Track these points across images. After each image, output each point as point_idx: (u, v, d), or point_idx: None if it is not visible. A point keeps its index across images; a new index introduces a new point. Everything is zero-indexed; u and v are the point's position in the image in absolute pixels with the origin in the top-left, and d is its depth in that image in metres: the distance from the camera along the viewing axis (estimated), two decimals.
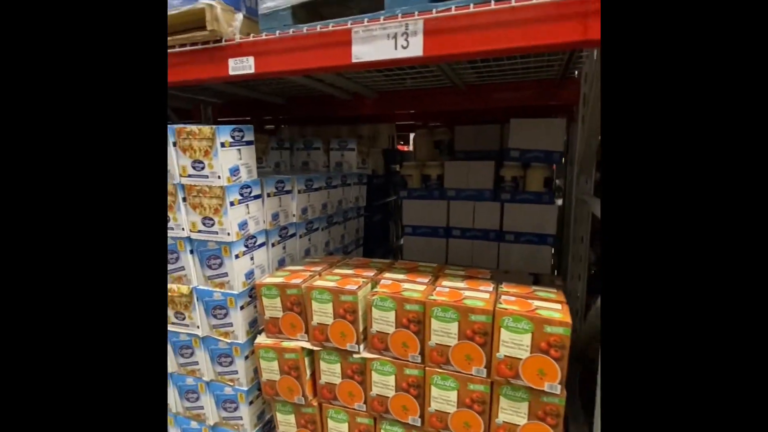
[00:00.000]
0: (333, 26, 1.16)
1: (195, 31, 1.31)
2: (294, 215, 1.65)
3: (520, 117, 2.08)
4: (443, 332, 1.14)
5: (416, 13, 1.07)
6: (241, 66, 1.27)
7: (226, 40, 1.28)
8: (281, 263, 1.61)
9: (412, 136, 3.21)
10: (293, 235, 1.67)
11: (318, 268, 1.45)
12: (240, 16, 1.29)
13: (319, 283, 1.29)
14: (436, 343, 1.14)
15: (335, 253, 2.00)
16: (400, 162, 2.86)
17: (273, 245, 1.56)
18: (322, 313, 1.28)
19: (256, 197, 1.45)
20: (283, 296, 1.33)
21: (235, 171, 1.37)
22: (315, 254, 1.82)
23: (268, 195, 1.52)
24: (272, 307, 1.35)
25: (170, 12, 1.33)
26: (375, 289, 1.23)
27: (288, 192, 1.61)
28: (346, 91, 2.20)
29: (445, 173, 2.29)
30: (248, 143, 1.42)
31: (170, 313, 1.51)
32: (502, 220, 2.20)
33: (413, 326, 1.17)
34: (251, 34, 1.26)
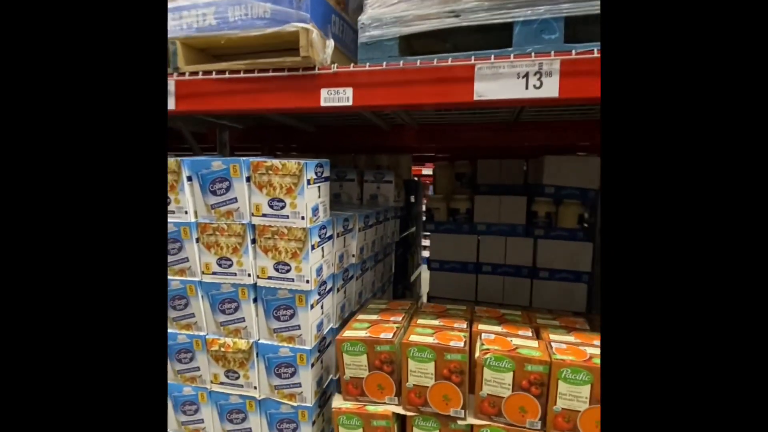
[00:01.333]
0: (452, 61, 1.07)
1: (283, 56, 1.17)
2: (354, 255, 1.51)
3: (545, 154, 2.07)
4: (572, 395, 1.05)
5: (552, 52, 1.01)
6: (336, 97, 1.14)
7: (319, 69, 1.15)
8: (342, 310, 1.46)
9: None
10: (352, 277, 1.52)
11: (398, 318, 1.32)
12: (331, 43, 1.17)
13: (416, 338, 1.16)
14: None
15: (377, 294, 1.87)
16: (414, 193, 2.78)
17: (337, 290, 1.41)
18: (420, 373, 1.15)
19: (329, 238, 1.31)
20: (371, 353, 1.19)
21: (315, 210, 1.22)
22: (364, 296, 1.68)
23: (337, 235, 1.37)
24: (355, 366, 1.20)
25: (250, 32, 1.18)
26: (484, 347, 1.12)
27: (350, 231, 1.48)
28: (388, 122, 2.11)
29: (475, 207, 2.23)
30: (326, 179, 1.28)
31: (218, 371, 1.32)
32: (536, 256, 2.17)
33: (534, 389, 1.07)
34: (335, 64, 1.14)
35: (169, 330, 1.35)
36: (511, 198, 2.22)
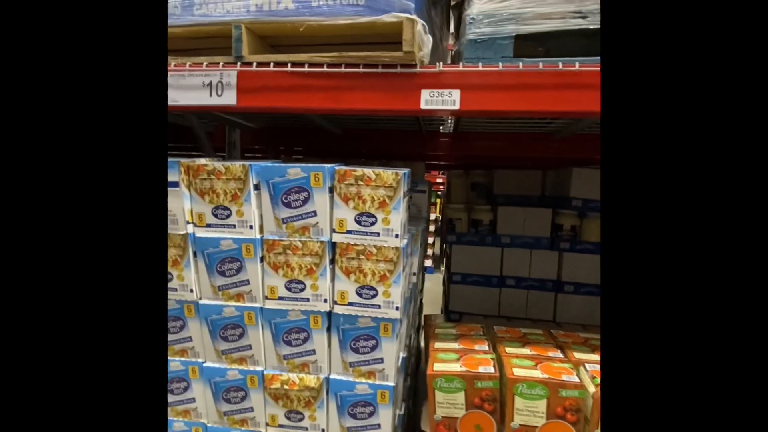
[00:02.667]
0: (580, 66, 0.96)
1: (369, 50, 1.01)
2: (414, 273, 1.37)
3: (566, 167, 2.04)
4: None
5: None
6: (440, 100, 1.00)
7: (420, 67, 1.01)
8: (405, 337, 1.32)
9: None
10: (409, 298, 1.38)
11: (483, 346, 1.19)
12: (431, 38, 1.03)
13: (523, 372, 1.04)
14: None
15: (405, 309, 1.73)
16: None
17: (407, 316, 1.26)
18: (529, 412, 1.03)
19: (407, 257, 1.16)
20: (470, 390, 1.05)
21: (403, 227, 1.08)
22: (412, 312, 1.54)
23: (411, 253, 1.23)
24: (449, 404, 1.07)
25: (338, 20, 1.01)
26: (597, 380, 1.02)
27: (416, 249, 1.33)
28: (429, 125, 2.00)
29: (498, 219, 2.15)
30: (417, 192, 1.14)
31: (277, 412, 1.13)
32: (561, 269, 2.12)
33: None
34: (440, 63, 1.01)
35: (217, 365, 1.14)
36: (536, 210, 2.16)
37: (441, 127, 2.14)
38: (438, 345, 1.21)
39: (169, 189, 1.07)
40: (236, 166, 1.04)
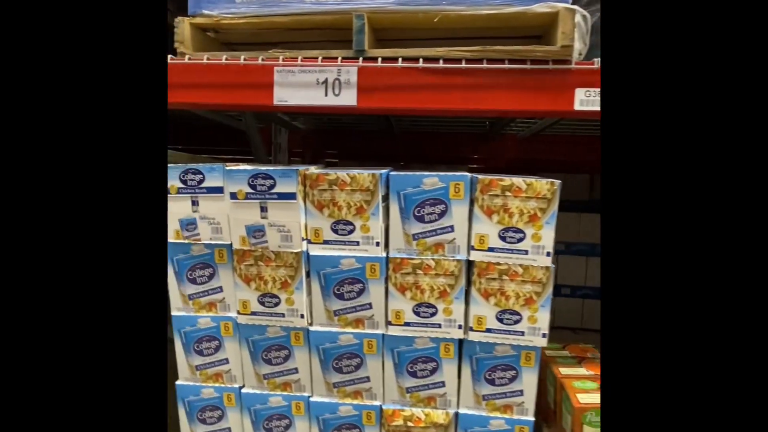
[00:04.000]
0: None
1: (510, 44, 0.90)
2: None
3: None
4: None
5: None
6: (598, 100, 0.90)
7: (576, 63, 0.90)
8: None
9: None
10: None
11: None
12: (585, 31, 0.92)
13: None
14: None
15: None
16: None
17: None
18: None
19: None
20: None
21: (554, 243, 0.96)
22: None
23: None
24: None
25: (480, 10, 0.90)
26: None
27: None
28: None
29: None
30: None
31: None
32: None
33: None
34: (597, 59, 0.90)
35: (326, 399, 1.01)
36: (592, 216, 2.09)
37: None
38: (564, 371, 1.10)
39: (284, 201, 0.93)
40: (364, 175, 0.92)
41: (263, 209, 0.95)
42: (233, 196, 0.95)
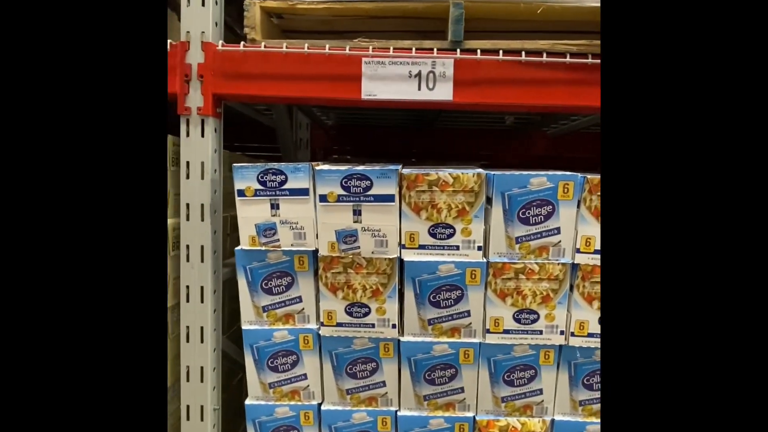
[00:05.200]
0: None
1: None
2: None
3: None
4: None
5: None
6: None
7: None
8: None
9: None
10: None
11: None
12: None
13: None
14: None
15: None
16: None
17: None
18: None
19: None
20: None
21: None
22: None
23: None
24: None
25: (587, 2, 0.86)
26: None
27: None
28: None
29: None
30: None
31: None
32: None
33: None
34: None
35: (417, 413, 0.95)
36: None
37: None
38: None
39: (380, 204, 0.86)
40: (468, 175, 0.86)
41: (356, 212, 0.87)
42: (323, 198, 0.87)
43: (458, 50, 0.89)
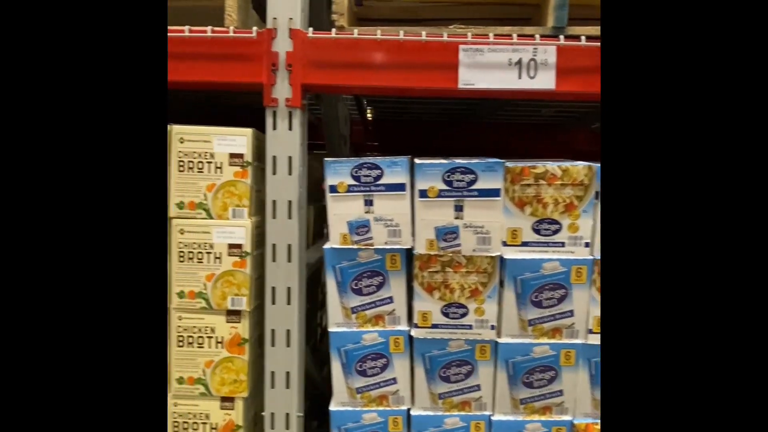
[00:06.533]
0: None
1: None
2: None
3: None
4: None
5: None
6: None
7: None
8: None
9: None
10: None
11: None
12: None
13: None
14: None
15: None
16: None
17: None
18: None
19: None
20: None
21: None
22: None
23: None
24: None
25: None
26: None
27: None
28: None
29: None
30: None
31: None
32: None
33: None
34: None
35: (513, 417, 0.91)
36: None
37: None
38: None
39: (485, 199, 0.82)
40: (578, 167, 0.81)
41: (458, 208, 0.83)
42: (423, 193, 0.83)
43: (561, 36, 0.84)
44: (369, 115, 1.76)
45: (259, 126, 0.90)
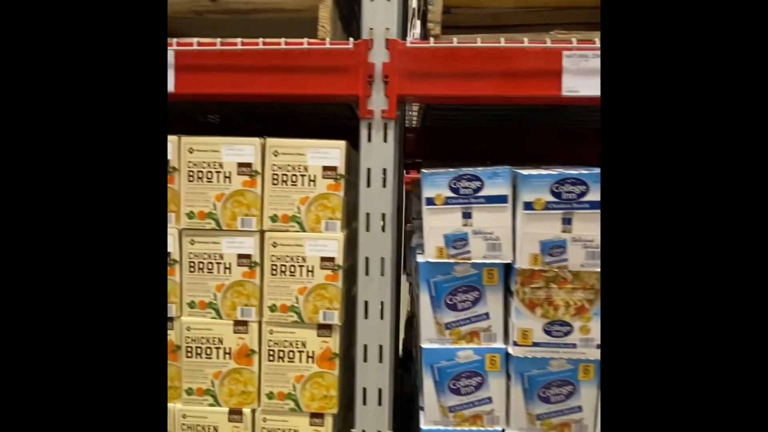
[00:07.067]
0: None
1: None
2: None
3: None
4: None
5: None
6: None
7: None
8: None
9: None
10: None
11: None
12: None
13: None
14: None
15: None
16: None
17: None
18: None
19: None
20: None
21: None
22: None
23: None
24: None
25: None
26: None
27: None
28: None
29: None
30: None
31: None
32: None
33: None
34: None
35: None
36: None
37: None
38: None
39: (598, 212, 0.78)
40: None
41: (566, 221, 0.79)
42: (528, 206, 0.79)
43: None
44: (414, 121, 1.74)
45: (328, 136, 0.89)
